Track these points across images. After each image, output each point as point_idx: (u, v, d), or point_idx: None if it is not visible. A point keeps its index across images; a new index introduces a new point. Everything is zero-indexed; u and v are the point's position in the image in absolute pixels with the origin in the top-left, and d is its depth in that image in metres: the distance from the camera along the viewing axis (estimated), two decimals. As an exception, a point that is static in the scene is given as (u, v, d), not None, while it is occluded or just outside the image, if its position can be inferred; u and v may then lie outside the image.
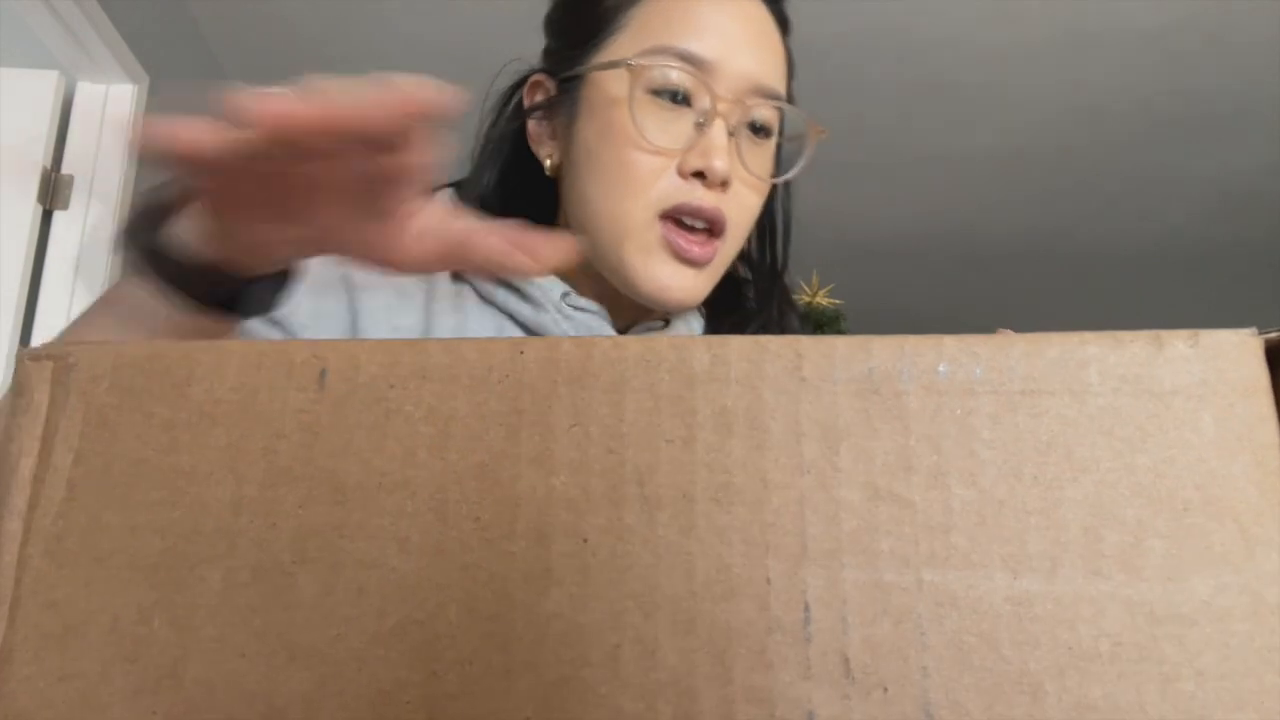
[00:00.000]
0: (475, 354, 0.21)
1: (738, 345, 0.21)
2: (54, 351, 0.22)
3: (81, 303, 1.59)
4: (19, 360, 0.22)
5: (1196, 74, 1.99)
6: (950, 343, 0.20)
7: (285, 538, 0.20)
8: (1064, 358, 0.20)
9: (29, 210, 1.54)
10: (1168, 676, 0.18)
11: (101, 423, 0.21)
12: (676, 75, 0.47)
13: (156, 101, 1.74)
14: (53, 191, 1.61)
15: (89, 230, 1.62)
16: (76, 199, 1.62)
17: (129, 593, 0.20)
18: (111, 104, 1.67)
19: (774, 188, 0.52)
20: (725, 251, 0.48)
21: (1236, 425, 0.19)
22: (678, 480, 0.20)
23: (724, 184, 0.47)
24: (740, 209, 0.48)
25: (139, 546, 0.20)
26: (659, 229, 0.47)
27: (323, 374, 0.21)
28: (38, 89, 1.57)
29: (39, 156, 1.56)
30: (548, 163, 0.52)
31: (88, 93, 1.67)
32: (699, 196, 0.46)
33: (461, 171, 0.54)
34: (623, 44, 0.49)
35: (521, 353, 0.21)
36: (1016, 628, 0.18)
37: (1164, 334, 0.20)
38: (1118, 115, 2.16)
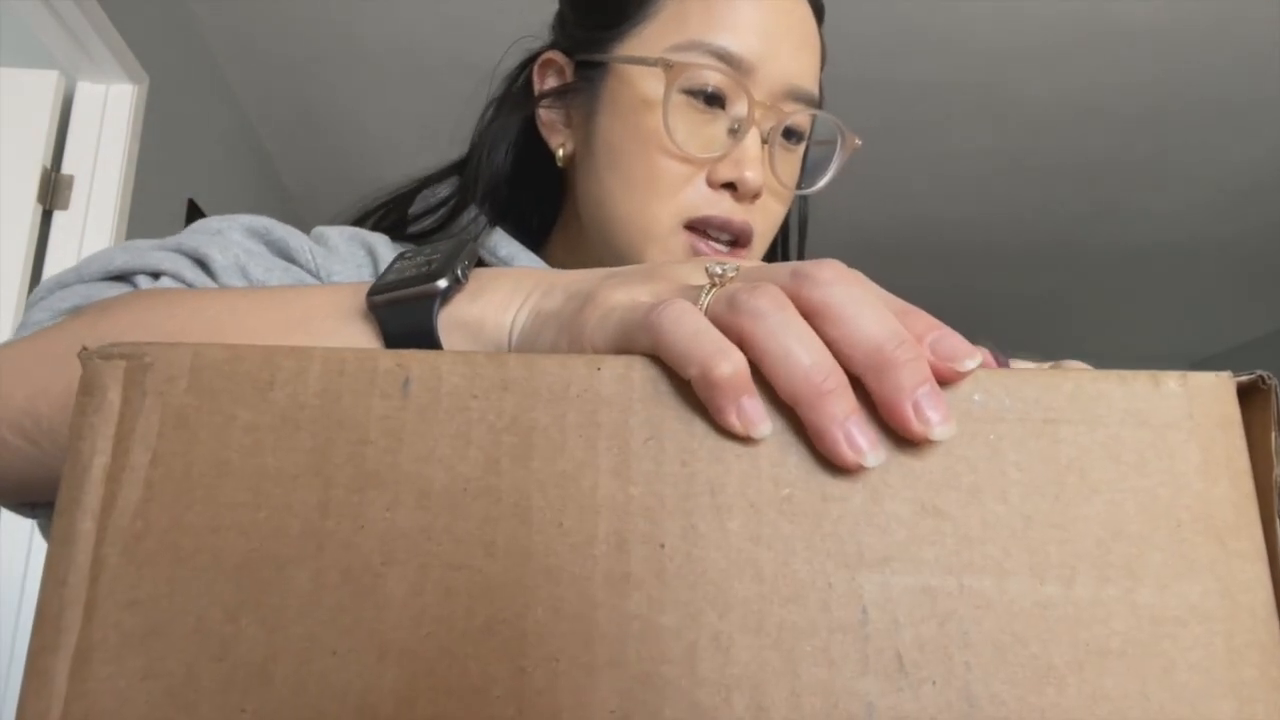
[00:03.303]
0: (554, 369, 0.22)
1: (796, 370, 0.23)
2: (126, 350, 0.22)
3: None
4: (85, 358, 0.22)
5: (1197, 72, 2.05)
6: (984, 375, 0.23)
7: (373, 540, 0.21)
8: (1078, 392, 0.23)
9: (29, 210, 1.52)
10: (1166, 669, 0.21)
11: (180, 423, 0.21)
12: (713, 76, 0.44)
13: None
14: (53, 191, 1.58)
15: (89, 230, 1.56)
16: (76, 199, 1.59)
17: (214, 592, 0.20)
18: (111, 104, 1.65)
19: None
20: (751, 260, 0.47)
21: (1217, 454, 0.22)
22: (746, 492, 0.21)
23: (755, 196, 0.45)
24: (766, 218, 0.47)
25: (223, 547, 0.20)
26: (684, 237, 0.45)
27: (406, 382, 0.22)
28: (38, 89, 1.55)
29: (39, 156, 1.54)
30: (559, 152, 0.49)
31: (88, 93, 1.65)
32: (728, 209, 0.45)
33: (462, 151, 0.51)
34: (654, 35, 0.45)
35: (599, 369, 0.22)
36: (1043, 627, 0.21)
37: (1159, 374, 0.23)
38: (1117, 114, 2.22)
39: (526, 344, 0.28)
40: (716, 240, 0.46)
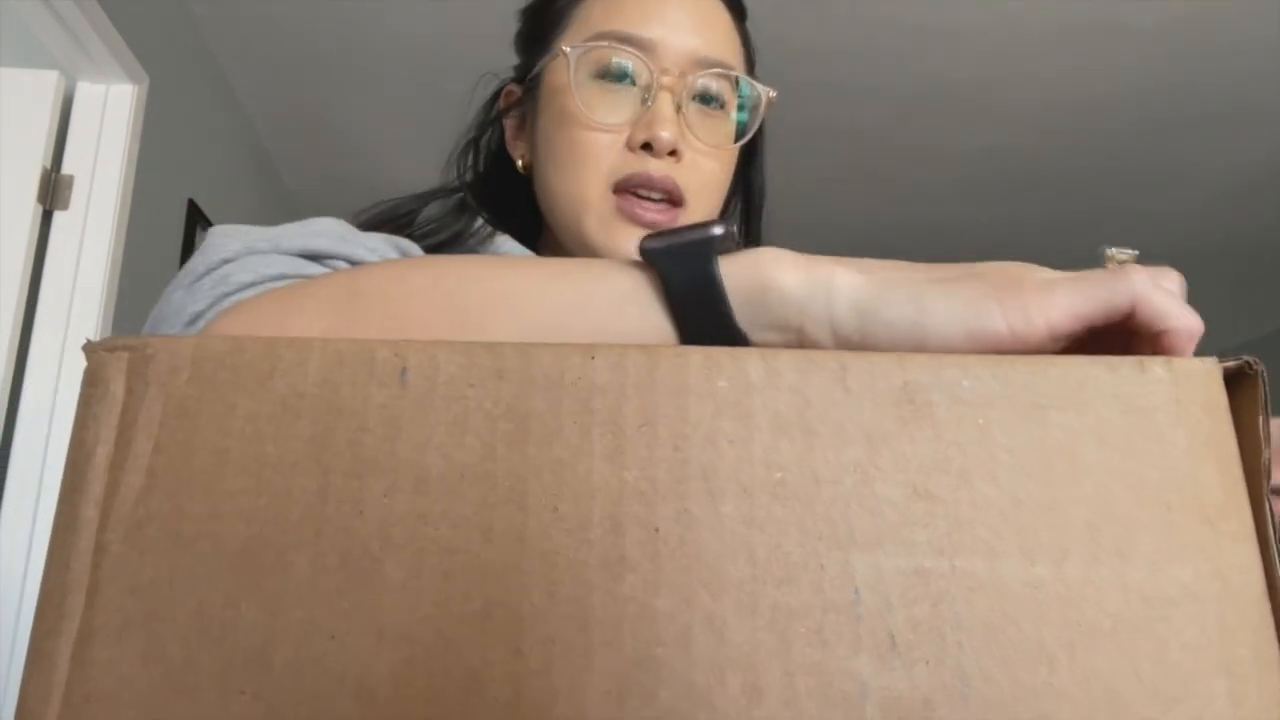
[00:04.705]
0: (549, 357, 0.22)
1: (788, 356, 0.23)
2: (130, 343, 0.22)
3: (81, 303, 1.55)
4: (90, 351, 0.22)
5: (1197, 73, 2.05)
6: (973, 360, 0.23)
7: (371, 525, 0.21)
8: (1065, 376, 0.23)
9: (29, 210, 1.51)
10: (1158, 648, 0.21)
11: (182, 412, 0.21)
12: (615, 54, 0.49)
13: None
14: (53, 191, 1.58)
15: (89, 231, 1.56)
16: (76, 199, 1.60)
17: (214, 578, 0.20)
18: (111, 104, 1.65)
19: (744, 159, 0.55)
20: (689, 219, 0.50)
21: (1204, 438, 0.23)
22: (739, 476, 0.22)
23: (673, 153, 0.49)
24: (698, 176, 0.50)
25: (223, 533, 0.21)
26: (613, 200, 0.49)
27: (404, 371, 0.22)
28: (38, 89, 1.55)
29: (39, 156, 1.54)
30: (519, 162, 0.55)
31: (88, 93, 1.65)
32: (649, 167, 0.49)
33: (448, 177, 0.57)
34: (569, 38, 0.52)
35: (593, 358, 0.23)
36: (1033, 608, 0.21)
37: (1146, 360, 0.23)
38: (1117, 114, 2.23)
39: (871, 309, 0.26)
40: (647, 199, 0.49)
